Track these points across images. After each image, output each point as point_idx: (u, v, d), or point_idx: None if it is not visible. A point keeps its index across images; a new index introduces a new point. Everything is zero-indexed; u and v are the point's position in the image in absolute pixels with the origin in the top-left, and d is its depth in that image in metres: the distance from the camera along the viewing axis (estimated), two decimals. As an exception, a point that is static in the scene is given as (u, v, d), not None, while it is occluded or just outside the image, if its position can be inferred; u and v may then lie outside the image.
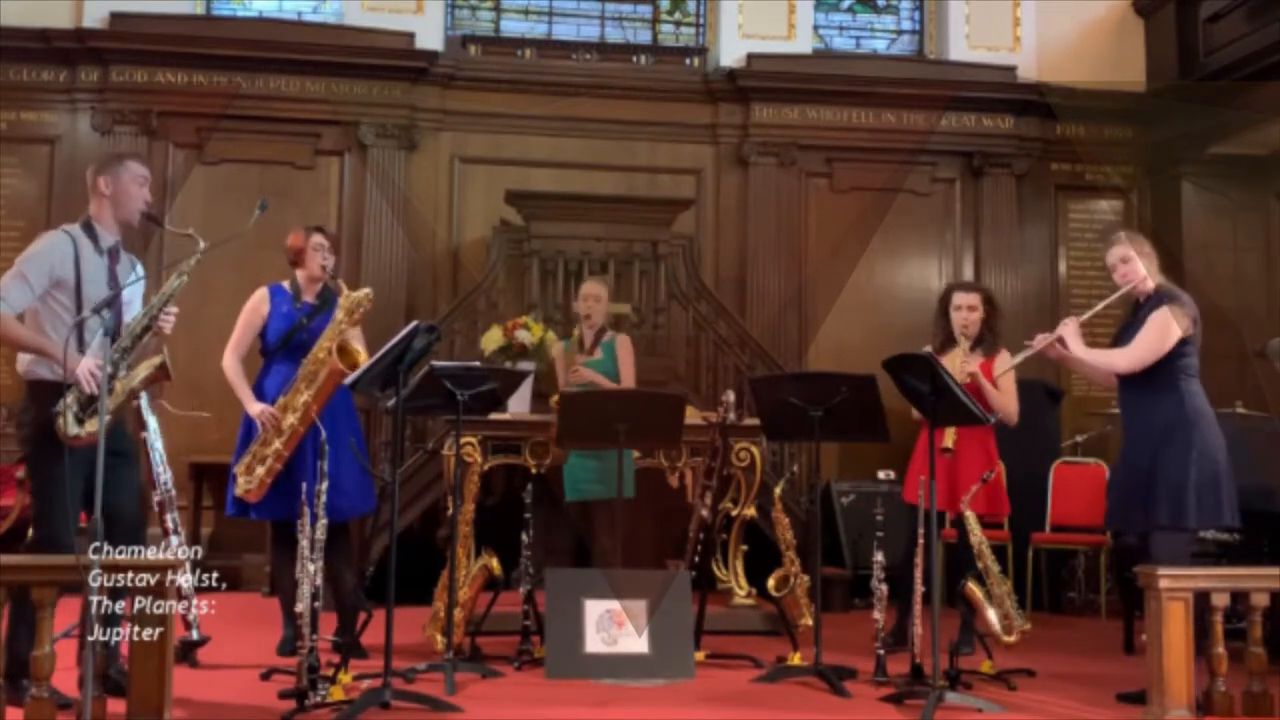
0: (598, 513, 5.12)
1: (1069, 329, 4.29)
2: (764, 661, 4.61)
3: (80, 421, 3.64)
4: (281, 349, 4.69)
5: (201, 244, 3.89)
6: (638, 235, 7.11)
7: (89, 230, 3.81)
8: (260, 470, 4.54)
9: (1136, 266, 4.22)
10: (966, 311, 4.96)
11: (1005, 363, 4.86)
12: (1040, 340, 4.34)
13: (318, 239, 4.74)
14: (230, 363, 4.70)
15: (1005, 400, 4.85)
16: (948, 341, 4.98)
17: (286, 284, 4.80)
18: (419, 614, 4.88)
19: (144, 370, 3.80)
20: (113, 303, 3.53)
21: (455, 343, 6.90)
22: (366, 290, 4.66)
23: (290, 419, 4.50)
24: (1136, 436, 4.23)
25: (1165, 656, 3.58)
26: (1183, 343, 4.13)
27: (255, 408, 4.59)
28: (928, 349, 5.02)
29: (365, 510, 4.87)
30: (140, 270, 4.01)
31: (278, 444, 4.52)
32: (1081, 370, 4.50)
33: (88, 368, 3.62)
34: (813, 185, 8.21)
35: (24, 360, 3.73)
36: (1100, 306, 4.34)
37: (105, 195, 3.84)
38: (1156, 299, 4.18)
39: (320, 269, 4.72)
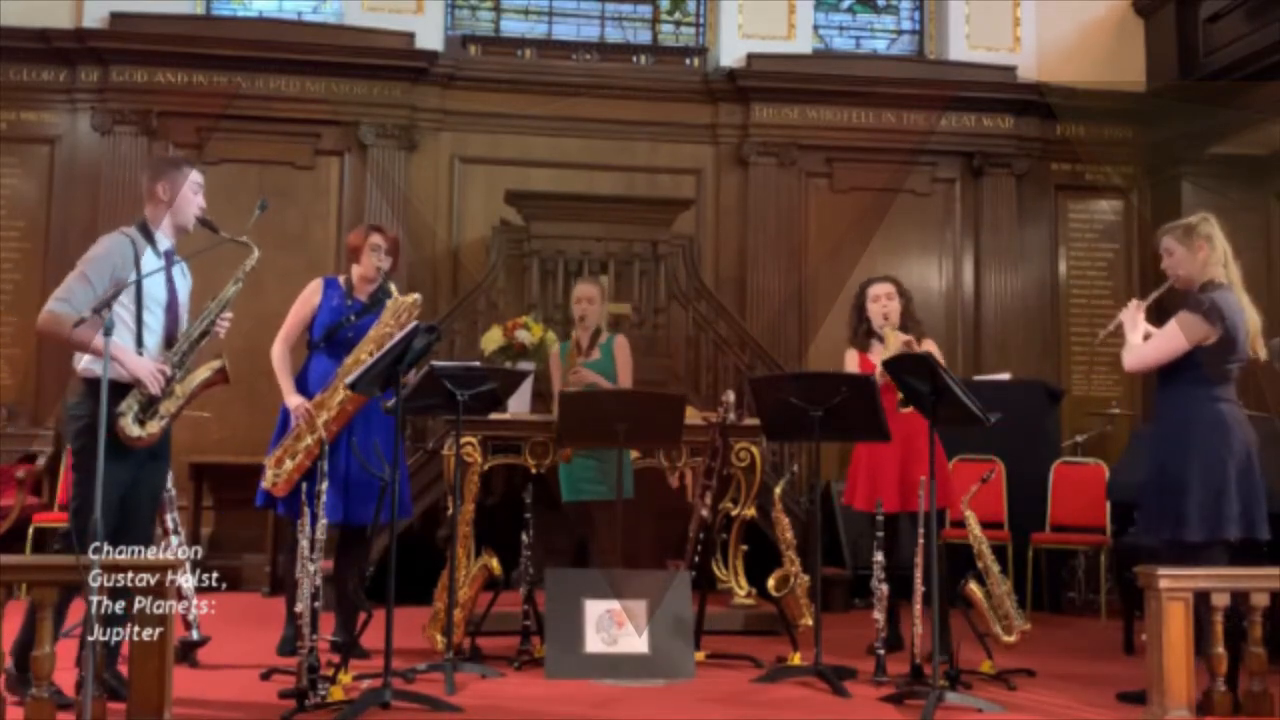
0: (597, 513, 5.12)
1: (1129, 313, 4.17)
2: (764, 661, 4.61)
3: (141, 423, 3.68)
4: (325, 343, 4.71)
5: (255, 251, 3.94)
6: (638, 235, 7.11)
7: (146, 233, 3.84)
8: (289, 464, 4.55)
9: (1175, 263, 4.11)
10: (885, 300, 4.94)
11: (933, 351, 4.81)
12: (1117, 322, 4.22)
13: (376, 239, 4.75)
14: (278, 351, 4.71)
15: None
16: (869, 336, 4.97)
17: (341, 278, 4.83)
18: (419, 614, 4.87)
19: (203, 373, 3.85)
20: (112, 300, 3.51)
21: (455, 343, 6.91)
22: (415, 296, 4.66)
23: (324, 417, 4.50)
24: (1153, 440, 4.16)
25: (1165, 656, 3.58)
26: (1208, 350, 3.96)
27: (293, 400, 4.61)
28: (851, 353, 5.03)
29: (404, 515, 4.85)
30: (186, 268, 4.01)
31: (309, 440, 4.52)
32: None
33: (151, 369, 3.67)
34: (813, 185, 8.21)
35: (83, 358, 3.74)
36: (1155, 295, 4.25)
37: (164, 201, 3.85)
38: (1191, 300, 4.04)
39: (375, 269, 4.73)
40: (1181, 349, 3.99)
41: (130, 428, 3.66)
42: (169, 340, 3.83)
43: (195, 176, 3.94)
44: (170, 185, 3.86)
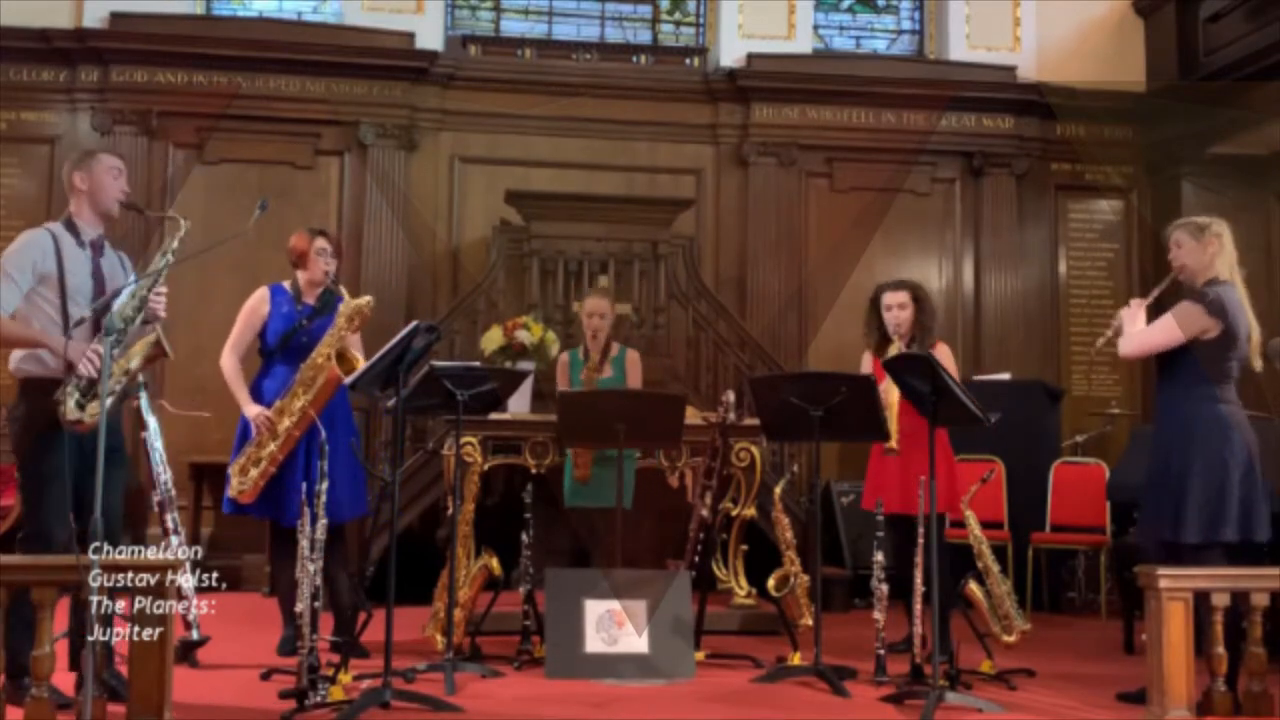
0: (598, 518, 5.12)
1: (1129, 311, 4.12)
2: (764, 661, 4.61)
3: (81, 406, 3.64)
4: (280, 350, 4.69)
5: (183, 223, 3.88)
6: (638, 235, 7.11)
7: (69, 226, 3.83)
8: (254, 472, 4.54)
9: (1182, 255, 4.08)
10: (897, 310, 4.86)
11: (945, 355, 4.80)
12: (1119, 317, 4.17)
13: (321, 243, 4.73)
14: (229, 362, 4.70)
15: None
16: (883, 341, 4.91)
17: (287, 284, 4.80)
18: (419, 614, 4.88)
19: (140, 349, 3.80)
20: (110, 303, 3.52)
21: (455, 343, 6.91)
22: (368, 298, 4.65)
23: (286, 423, 4.50)
24: (1158, 440, 4.13)
25: (1165, 656, 3.58)
26: (1209, 345, 3.95)
27: (252, 410, 4.59)
28: (866, 355, 5.02)
29: (357, 514, 4.86)
30: (126, 262, 4.00)
31: (272, 447, 4.51)
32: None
33: (82, 350, 3.64)
34: (813, 185, 8.21)
35: (15, 357, 3.73)
36: (1158, 290, 4.22)
37: (82, 190, 3.85)
38: (1194, 292, 4.02)
39: (323, 273, 4.72)
40: (1178, 339, 3.97)
41: (71, 411, 3.61)
42: (96, 330, 3.75)
43: (111, 162, 3.91)
44: (87, 174, 3.84)
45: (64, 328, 3.66)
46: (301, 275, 4.77)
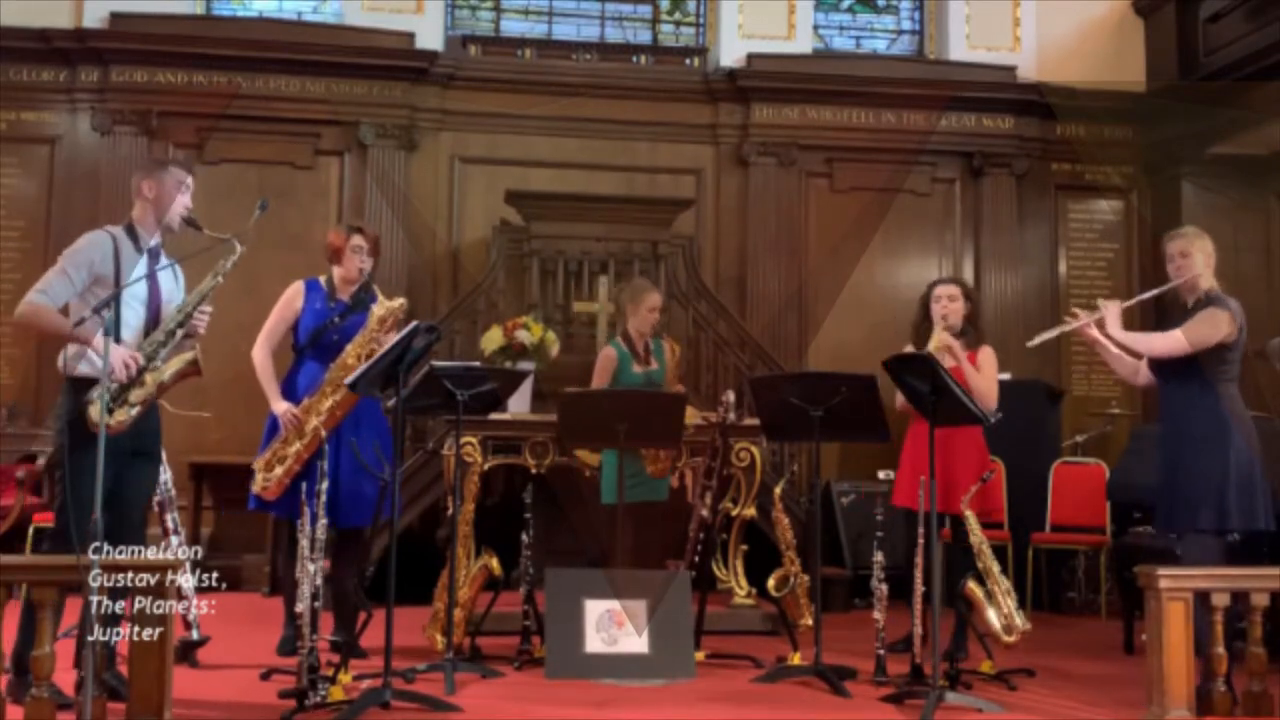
0: (634, 513, 5.10)
1: (1111, 310, 4.18)
2: (764, 661, 4.61)
3: (110, 411, 3.65)
4: (311, 346, 4.69)
5: (238, 247, 3.93)
6: (638, 235, 7.11)
7: (130, 231, 3.90)
8: (279, 470, 4.54)
9: (1193, 264, 4.15)
10: (947, 301, 4.86)
11: (990, 358, 4.81)
12: (1082, 316, 4.23)
13: (357, 240, 4.73)
14: (260, 355, 4.69)
15: (985, 384, 4.74)
16: (929, 334, 4.86)
17: (323, 280, 4.80)
18: (419, 614, 4.88)
19: (175, 364, 3.85)
20: (115, 300, 3.54)
21: (455, 343, 6.91)
22: (401, 301, 4.66)
23: (313, 422, 4.49)
24: (1172, 439, 4.18)
25: (1165, 656, 3.58)
26: (1225, 348, 4.08)
27: (280, 406, 4.59)
28: (909, 349, 5.01)
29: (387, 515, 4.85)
30: (179, 270, 4.04)
31: (298, 445, 4.52)
32: (1109, 361, 4.32)
33: (122, 357, 3.68)
34: (813, 185, 8.21)
35: (66, 355, 3.77)
36: (1147, 295, 4.27)
37: (148, 199, 3.92)
38: (1206, 301, 4.12)
39: (358, 271, 4.72)
40: (1212, 340, 4.06)
41: (97, 414, 3.60)
42: (146, 334, 3.84)
43: (181, 176, 3.98)
44: (155, 183, 3.92)
45: (115, 331, 3.68)
46: (336, 271, 4.78)
